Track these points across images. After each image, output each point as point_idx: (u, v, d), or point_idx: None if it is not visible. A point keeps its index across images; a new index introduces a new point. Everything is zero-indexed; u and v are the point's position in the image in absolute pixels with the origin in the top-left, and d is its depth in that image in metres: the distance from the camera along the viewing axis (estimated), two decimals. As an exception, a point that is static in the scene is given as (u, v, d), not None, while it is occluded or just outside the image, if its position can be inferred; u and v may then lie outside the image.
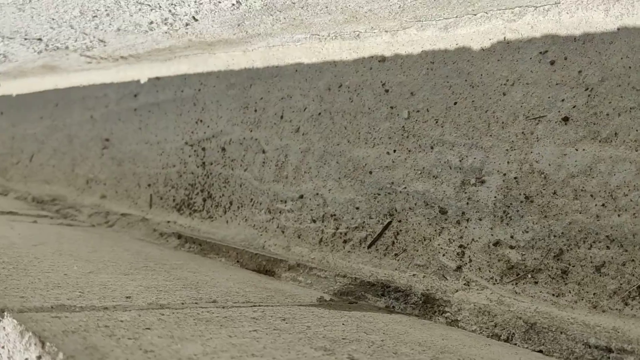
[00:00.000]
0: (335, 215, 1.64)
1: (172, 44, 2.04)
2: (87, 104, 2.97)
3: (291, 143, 1.82)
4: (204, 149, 2.18)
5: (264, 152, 1.92)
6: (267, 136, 1.91)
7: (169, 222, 2.25)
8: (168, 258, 1.73)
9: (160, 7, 1.60)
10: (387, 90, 1.55)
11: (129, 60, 2.47)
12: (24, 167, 3.47)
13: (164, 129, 2.41)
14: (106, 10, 1.72)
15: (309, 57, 1.77)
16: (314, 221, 1.69)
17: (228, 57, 2.08)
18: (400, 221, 1.47)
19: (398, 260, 1.45)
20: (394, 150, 1.51)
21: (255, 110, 1.98)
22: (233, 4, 1.47)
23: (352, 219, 1.59)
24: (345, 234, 1.60)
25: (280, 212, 1.81)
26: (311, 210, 1.71)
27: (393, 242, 1.48)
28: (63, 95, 3.20)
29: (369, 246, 1.53)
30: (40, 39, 2.29)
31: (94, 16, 1.81)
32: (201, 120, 2.22)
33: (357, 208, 1.58)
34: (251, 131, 1.98)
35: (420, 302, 1.32)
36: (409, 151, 1.47)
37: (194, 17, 1.65)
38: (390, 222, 1.49)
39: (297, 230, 1.74)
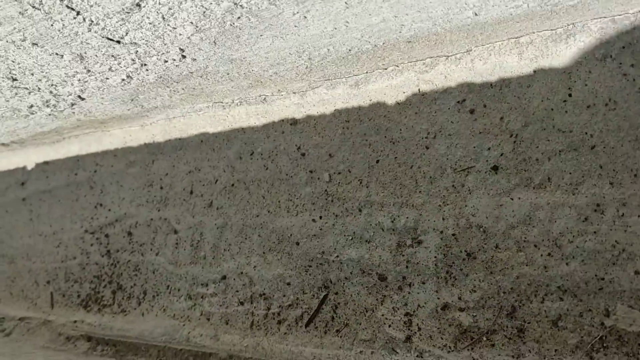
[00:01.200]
0: (264, 294, 1.51)
1: (59, 125, 1.86)
2: (-33, 197, 2.68)
3: (205, 219, 1.68)
4: (107, 235, 1.98)
5: (175, 232, 1.77)
6: (178, 214, 1.76)
7: (75, 322, 2.01)
8: (79, 370, 1.52)
9: (40, 89, 1.44)
10: (303, 154, 1.46)
11: (11, 147, 2.25)
12: None
13: (60, 217, 2.19)
14: (-23, 98, 1.53)
15: (214, 125, 1.66)
16: (242, 303, 1.55)
17: (124, 133, 1.93)
18: (337, 293, 1.37)
19: (341, 337, 1.34)
20: (320, 217, 1.41)
21: (161, 188, 1.83)
22: (123, 79, 1.35)
23: (284, 296, 1.46)
24: (279, 313, 1.47)
25: (202, 297, 1.65)
26: (237, 291, 1.57)
27: (332, 317, 1.37)
28: (-63, 190, 2.88)
29: (307, 324, 1.41)
30: None
31: (16, 110, 1.61)
32: (101, 204, 2.03)
33: (288, 284, 1.46)
34: (159, 210, 1.82)
35: (373, 383, 1.21)
36: (336, 216, 1.38)
37: (79, 97, 1.50)
38: (326, 296, 1.38)
39: (224, 315, 1.59)
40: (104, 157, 2.03)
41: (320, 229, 1.41)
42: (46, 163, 2.26)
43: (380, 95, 1.31)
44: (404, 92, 1.27)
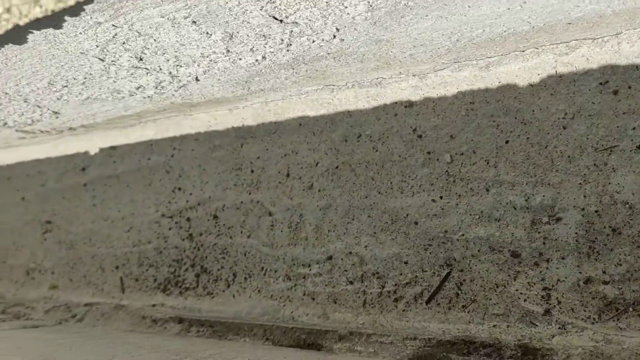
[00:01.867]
0: (378, 273, 1.53)
1: (145, 109, 1.86)
2: (14, 184, 2.64)
3: (305, 201, 1.70)
4: (188, 219, 1.98)
5: (270, 214, 1.78)
6: (273, 197, 1.78)
7: (154, 305, 2.01)
8: (193, 349, 1.53)
9: (160, 69, 1.43)
10: (420, 136, 1.49)
11: (77, 131, 2.23)
12: None
13: (130, 202, 2.18)
14: (85, 78, 1.52)
15: (316, 109, 1.68)
16: (351, 282, 1.58)
17: (209, 117, 1.93)
18: (462, 270, 1.40)
19: (468, 312, 1.38)
20: (441, 197, 1.45)
21: (252, 171, 1.84)
22: (257, 60, 1.36)
23: (401, 274, 1.50)
24: (395, 291, 1.50)
25: (304, 278, 1.67)
26: (345, 271, 1.59)
27: (457, 294, 1.40)
28: (-22, 177, 2.82)
29: (428, 301, 1.44)
30: (-27, 118, 1.99)
31: (64, 86, 1.60)
32: (179, 188, 2.03)
33: (406, 262, 1.49)
34: (250, 194, 1.83)
35: (518, 354, 1.25)
36: (459, 196, 1.42)
37: (196, 78, 1.51)
38: (449, 273, 1.42)
39: (331, 294, 1.61)
40: (183, 142, 2.03)
41: (442, 209, 1.44)
42: (113, 148, 2.25)
43: (511, 77, 1.35)
44: (538, 74, 1.31)
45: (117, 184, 2.23)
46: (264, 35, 1.22)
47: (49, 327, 2.03)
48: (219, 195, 1.91)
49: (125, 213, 2.19)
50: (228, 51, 1.31)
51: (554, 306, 1.26)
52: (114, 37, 1.23)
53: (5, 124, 2.07)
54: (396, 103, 1.54)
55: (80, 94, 1.68)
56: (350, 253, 1.59)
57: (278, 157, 1.78)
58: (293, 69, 1.43)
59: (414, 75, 1.47)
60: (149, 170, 2.13)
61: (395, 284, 1.50)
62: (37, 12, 1.13)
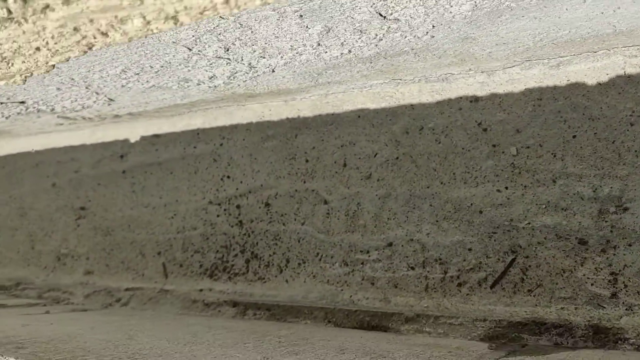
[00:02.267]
0: (440, 259, 1.61)
1: (204, 98, 1.89)
2: (44, 170, 2.64)
3: (363, 191, 1.76)
4: (238, 206, 2.03)
5: (326, 202, 1.84)
6: (328, 186, 1.84)
7: (201, 290, 2.05)
8: (263, 330, 1.58)
9: (242, 59, 1.48)
10: (485, 129, 1.57)
11: (120, 119, 2.25)
12: (-52, 250, 2.97)
13: (173, 189, 2.21)
14: (162, 66, 1.55)
15: (377, 102, 1.74)
16: (412, 268, 1.65)
17: (263, 108, 1.98)
18: (527, 257, 1.49)
19: (534, 296, 1.46)
20: (506, 187, 1.53)
21: (307, 161, 1.89)
22: (342, 54, 1.41)
23: (464, 260, 1.57)
24: (458, 277, 1.58)
25: (362, 264, 1.74)
26: (406, 257, 1.66)
27: (522, 279, 1.49)
28: (2, 164, 2.81)
29: (492, 286, 1.52)
30: (23, 102, 2.00)
31: (136, 73, 1.63)
32: (228, 177, 2.07)
33: (470, 249, 1.57)
34: (304, 182, 1.89)
35: (590, 333, 1.34)
36: (525, 187, 1.50)
37: (272, 70, 1.55)
38: (514, 259, 1.50)
39: (391, 279, 1.68)
40: (232, 131, 2.07)
41: (508, 199, 1.52)
42: (157, 136, 2.27)
43: (580, 76, 1.43)
44: (607, 74, 1.40)
45: (159, 171, 2.26)
46: (360, 31, 1.27)
47: (97, 310, 2.06)
48: (272, 183, 1.96)
49: (168, 200, 2.22)
50: (319, 44, 1.36)
51: (621, 289, 1.35)
52: (215, 27, 1.27)
53: (52, 109, 2.08)
54: (461, 98, 1.61)
55: (147, 81, 1.71)
56: (412, 240, 1.66)
57: (334, 147, 1.84)
58: (371, 62, 1.49)
59: (482, 72, 1.54)
60: (194, 158, 2.16)
61: (459, 270, 1.58)
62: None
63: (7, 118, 2.22)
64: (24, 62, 1.31)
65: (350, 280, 1.75)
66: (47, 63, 1.32)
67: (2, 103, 2.03)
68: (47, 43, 1.19)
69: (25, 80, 1.48)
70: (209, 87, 1.75)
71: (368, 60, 1.47)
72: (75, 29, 1.14)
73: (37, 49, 1.21)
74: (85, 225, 2.46)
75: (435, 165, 1.65)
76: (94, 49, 1.27)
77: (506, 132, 1.54)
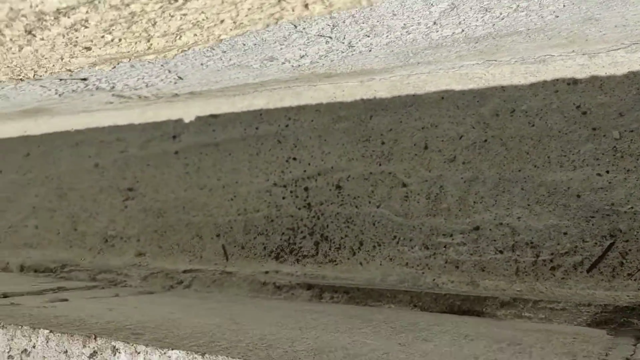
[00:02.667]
0: (532, 242, 1.59)
1: (278, 77, 1.84)
2: (85, 150, 2.56)
3: (446, 174, 1.73)
4: (306, 188, 1.98)
5: (404, 185, 1.80)
6: (407, 168, 1.80)
7: (267, 272, 2.01)
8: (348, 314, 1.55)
9: (344, 38, 1.42)
10: (584, 113, 1.54)
11: (178, 98, 2.18)
12: (-21, 231, 2.88)
13: (232, 171, 2.15)
14: (256, 44, 1.49)
15: (464, 83, 1.70)
16: (501, 252, 1.63)
17: (335, 88, 1.93)
18: (627, 241, 1.47)
19: (635, 280, 1.45)
20: (607, 171, 1.51)
21: (383, 143, 1.85)
22: (453, 33, 1.37)
23: (558, 244, 1.55)
24: (551, 260, 1.56)
25: (445, 247, 1.71)
26: (494, 240, 1.64)
27: (621, 263, 1.47)
28: (37, 143, 2.72)
29: (589, 270, 1.51)
30: (85, 79, 1.92)
31: (224, 52, 1.56)
32: (294, 158, 2.02)
33: (565, 233, 1.55)
34: (380, 165, 1.85)
35: None
36: (628, 171, 1.48)
37: (370, 49, 1.50)
38: (613, 243, 1.48)
39: (478, 263, 1.66)
40: (300, 112, 2.02)
41: (609, 183, 1.50)
42: (214, 116, 2.21)
43: (691, 60, 1.41)
44: None
45: (216, 152, 2.20)
46: (486, 9, 1.23)
47: (162, 293, 2.01)
48: (343, 165, 1.92)
49: (226, 182, 2.16)
50: (434, 23, 1.32)
51: None
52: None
53: (112, 87, 2.01)
54: (557, 80, 1.58)
55: (230, 60, 1.64)
56: (501, 224, 1.64)
57: (414, 129, 1.80)
58: (476, 43, 1.45)
59: (583, 54, 1.51)
60: (256, 139, 2.11)
61: (552, 253, 1.56)
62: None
63: (60, 95, 2.14)
64: (195, 35, 1.23)
65: (432, 263, 1.73)
66: (218, 37, 1.25)
67: (62, 80, 1.95)
68: (237, 15, 1.11)
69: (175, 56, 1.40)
70: (292, 66, 1.70)
71: (474, 40, 1.43)
72: (279, 0, 1.06)
73: (222, 21, 1.14)
74: (134, 206, 2.40)
75: (528, 149, 1.62)
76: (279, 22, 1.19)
77: (607, 116, 1.51)
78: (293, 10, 1.11)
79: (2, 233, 2.79)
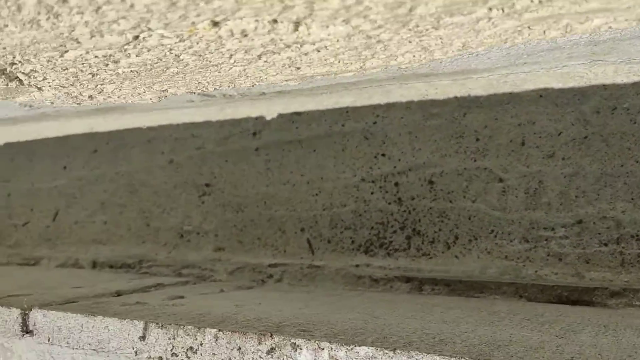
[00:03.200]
0: (638, 235, 1.65)
1: (374, 77, 1.87)
2: (158, 147, 2.58)
3: (545, 169, 1.78)
4: (396, 184, 2.03)
5: (501, 180, 1.85)
6: (504, 164, 1.85)
7: (357, 265, 2.06)
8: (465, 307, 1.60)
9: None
10: (690, 110, 1.60)
11: (262, 97, 2.20)
12: (43, 228, 2.91)
13: (316, 167, 2.19)
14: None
15: (564, 82, 1.75)
16: (605, 244, 1.69)
17: (427, 86, 1.96)
18: None
19: None
20: None
21: (477, 139, 1.90)
22: (580, 37, 1.41)
23: (665, 236, 1.61)
24: (658, 252, 1.62)
25: (546, 240, 1.77)
26: (598, 234, 1.70)
27: None
28: (106, 139, 2.74)
29: (697, 261, 1.57)
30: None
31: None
32: (383, 154, 2.06)
33: (672, 226, 1.61)
34: (475, 160, 1.90)
35: None
36: None
37: (488, 52, 1.54)
38: None
39: (582, 255, 1.71)
40: (389, 110, 2.05)
41: None
42: (298, 114, 2.24)
43: None
44: None
45: (300, 149, 2.24)
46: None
47: (258, 287, 2.05)
48: (436, 161, 1.96)
49: (311, 177, 2.20)
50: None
51: None
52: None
53: (215, 88, 2.03)
54: (662, 79, 1.63)
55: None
56: (605, 217, 1.69)
57: (510, 126, 1.85)
58: (595, 46, 1.49)
59: (691, 55, 1.56)
60: (342, 136, 2.14)
61: (658, 245, 1.62)
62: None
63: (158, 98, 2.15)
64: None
65: (533, 256, 1.78)
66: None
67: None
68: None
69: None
70: (399, 68, 1.73)
71: (594, 43, 1.48)
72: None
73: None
74: (211, 202, 2.43)
75: (630, 145, 1.67)
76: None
77: None
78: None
79: (67, 229, 2.82)
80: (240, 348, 1.19)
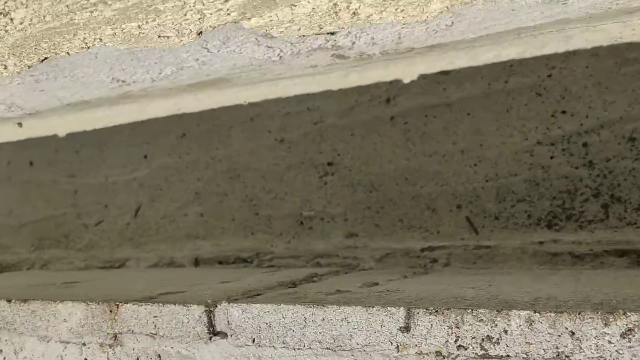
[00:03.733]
0: None
1: (565, 17, 1.59)
2: (264, 125, 2.27)
3: None
4: (585, 144, 1.74)
5: None
6: None
7: (541, 242, 1.76)
8: None
9: None
10: None
11: (404, 55, 1.91)
12: (122, 226, 2.58)
13: (473, 133, 1.89)
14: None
15: None
16: None
17: (621, 28, 1.68)
18: None
19: None
20: None
21: (692, 85, 1.62)
22: None
23: None
24: None
25: None
26: None
27: None
28: (196, 121, 2.43)
29: None
30: (333, 33, 1.65)
31: None
32: (563, 112, 1.77)
33: None
34: (690, 110, 1.62)
35: None
36: None
37: None
38: None
39: None
40: (567, 59, 1.77)
41: None
42: (445, 73, 1.94)
43: None
44: None
45: (448, 113, 1.94)
46: None
47: (435, 273, 1.75)
48: (636, 114, 1.68)
49: (466, 145, 1.91)
50: None
51: None
52: None
53: (353, 43, 1.73)
54: None
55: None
56: None
57: None
58: None
59: None
60: (505, 95, 1.85)
61: None
62: None
63: (280, 58, 1.85)
64: None
65: None
66: None
67: (303, 36, 1.67)
68: None
69: None
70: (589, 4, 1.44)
71: None
72: None
73: None
74: (336, 182, 2.13)
75: None
76: None
77: None
78: None
79: (153, 225, 2.50)
80: (573, 333, 0.89)
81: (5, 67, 1.67)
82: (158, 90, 2.28)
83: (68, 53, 1.57)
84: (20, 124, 2.87)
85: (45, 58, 1.62)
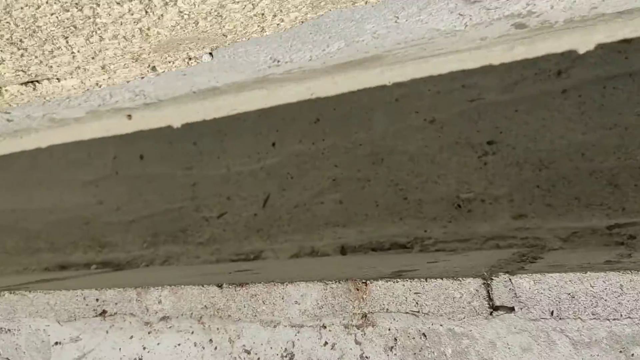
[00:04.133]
0: None
1: None
2: (411, 105, 2.18)
3: None
4: None
5: None
6: None
7: None
8: None
9: None
10: None
11: (585, 23, 1.81)
12: (248, 218, 2.50)
13: (662, 102, 1.80)
14: None
15: None
16: None
17: None
18: None
19: None
20: None
21: None
22: None
23: None
24: None
25: None
26: None
27: None
28: (332, 105, 2.34)
29: None
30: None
31: None
32: None
33: None
34: None
35: None
36: None
37: None
38: None
39: None
40: None
41: None
42: (627, 41, 1.84)
43: None
44: None
45: (631, 84, 1.84)
46: None
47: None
48: None
49: (654, 116, 1.81)
50: None
51: None
52: None
53: (552, 7, 1.64)
54: None
55: None
56: None
57: None
58: None
59: None
60: (700, 60, 1.75)
61: None
62: None
63: (465, 27, 1.76)
64: None
65: None
66: None
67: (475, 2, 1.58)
68: None
69: None
70: None
71: None
72: None
73: None
74: (498, 161, 2.03)
75: None
76: None
77: None
78: None
79: (285, 215, 2.42)
80: None
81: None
82: (299, 72, 2.20)
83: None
84: (129, 116, 2.80)
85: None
